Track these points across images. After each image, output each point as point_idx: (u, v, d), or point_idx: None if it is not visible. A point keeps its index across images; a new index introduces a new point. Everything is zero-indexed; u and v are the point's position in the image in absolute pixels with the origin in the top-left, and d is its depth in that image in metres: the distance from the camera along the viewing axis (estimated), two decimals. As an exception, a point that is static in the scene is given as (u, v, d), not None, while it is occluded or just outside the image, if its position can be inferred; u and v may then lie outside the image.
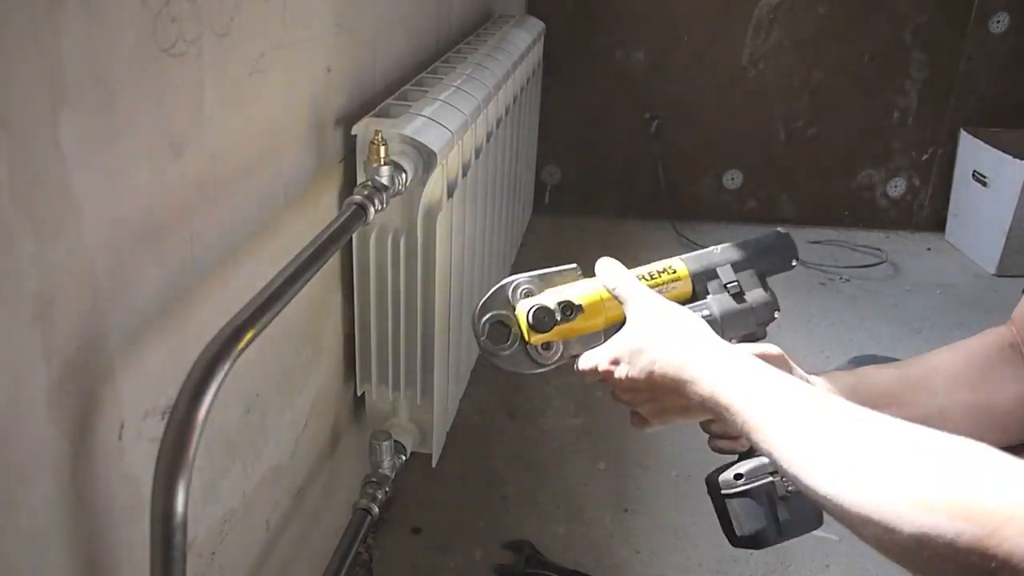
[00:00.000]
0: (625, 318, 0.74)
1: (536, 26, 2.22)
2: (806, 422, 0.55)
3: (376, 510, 1.18)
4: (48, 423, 0.62)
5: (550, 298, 0.78)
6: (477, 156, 1.43)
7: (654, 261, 0.81)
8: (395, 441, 1.25)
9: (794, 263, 0.81)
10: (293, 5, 0.94)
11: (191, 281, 0.79)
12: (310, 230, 1.00)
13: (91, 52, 0.61)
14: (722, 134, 2.80)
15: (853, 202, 2.87)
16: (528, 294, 0.80)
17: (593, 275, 0.79)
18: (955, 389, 0.79)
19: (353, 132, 1.11)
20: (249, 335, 0.65)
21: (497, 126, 1.60)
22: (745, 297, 0.79)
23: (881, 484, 0.49)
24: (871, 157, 2.83)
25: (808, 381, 0.77)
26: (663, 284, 0.79)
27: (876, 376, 0.83)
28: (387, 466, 1.22)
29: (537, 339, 0.78)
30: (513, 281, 0.80)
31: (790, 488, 0.74)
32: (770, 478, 0.75)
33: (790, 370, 0.74)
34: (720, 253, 0.81)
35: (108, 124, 0.64)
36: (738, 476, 0.77)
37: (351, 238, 1.15)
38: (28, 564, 0.62)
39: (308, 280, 0.77)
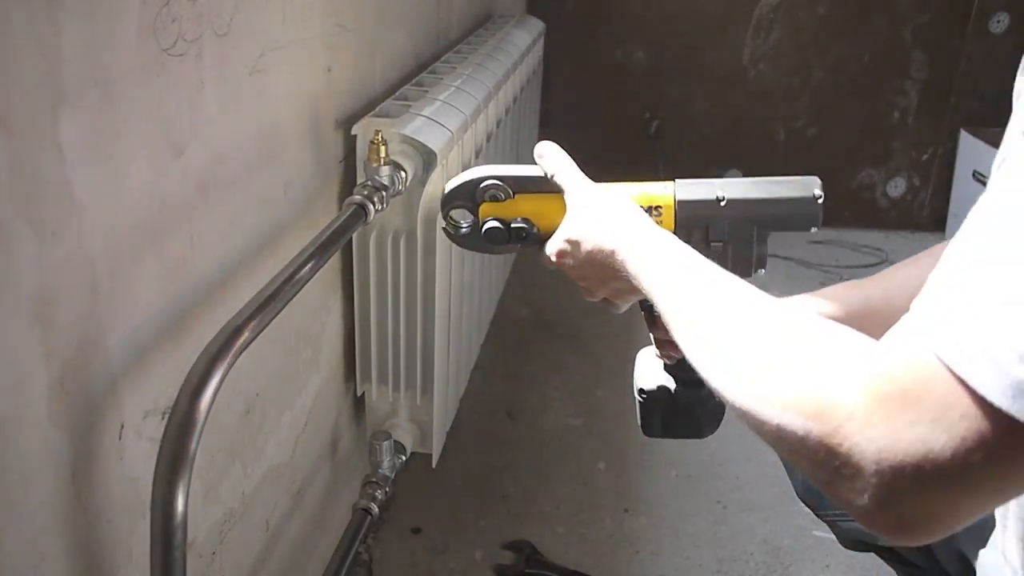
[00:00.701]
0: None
1: (536, 26, 2.22)
2: (706, 317, 0.57)
3: (376, 510, 1.18)
4: (48, 423, 0.62)
5: (511, 213, 0.78)
6: (477, 156, 1.43)
7: (650, 182, 0.76)
8: (395, 441, 1.25)
9: (814, 229, 0.74)
10: (293, 5, 0.94)
11: (191, 281, 0.79)
12: (310, 230, 1.01)
13: (91, 52, 0.61)
14: (722, 134, 2.80)
15: (853, 202, 2.87)
16: (494, 198, 0.79)
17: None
18: None
19: (353, 132, 1.11)
20: (249, 335, 0.65)
21: (497, 126, 1.60)
22: (727, 255, 0.75)
23: (753, 380, 0.50)
24: (871, 157, 2.83)
25: None
26: None
27: (839, 297, 0.82)
28: (387, 466, 1.22)
29: (493, 246, 0.80)
30: (482, 179, 0.79)
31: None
32: (667, 402, 0.82)
33: None
34: (724, 206, 0.74)
35: (108, 124, 0.64)
36: (640, 391, 0.83)
37: (351, 238, 1.15)
38: (28, 564, 0.62)
39: (308, 280, 0.77)
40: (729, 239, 0.74)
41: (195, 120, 0.77)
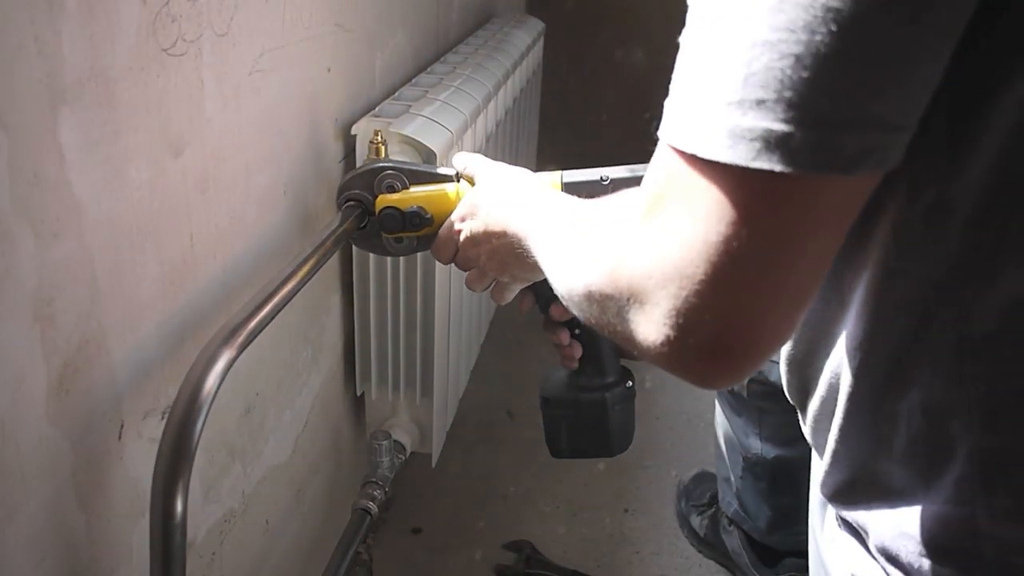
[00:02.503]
0: None
1: (536, 26, 2.22)
2: (549, 236, 0.60)
3: (376, 510, 1.18)
4: (48, 423, 0.62)
5: (406, 201, 0.80)
6: (477, 156, 1.42)
7: (541, 172, 0.81)
8: (395, 441, 1.25)
9: None
10: (293, 5, 0.94)
11: (191, 281, 0.79)
12: (310, 230, 1.01)
13: (91, 52, 0.61)
14: (722, 134, 2.80)
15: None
16: (391, 188, 0.81)
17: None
18: None
19: (352, 132, 1.11)
20: (249, 335, 0.65)
21: (497, 126, 1.59)
22: None
23: (573, 268, 0.52)
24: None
25: None
26: None
27: None
28: (387, 466, 1.22)
29: (387, 236, 0.83)
30: (381, 168, 0.82)
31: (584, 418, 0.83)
32: (571, 411, 0.84)
33: None
34: (607, 185, 0.77)
35: (108, 124, 0.64)
36: (545, 400, 0.85)
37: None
38: (28, 564, 0.62)
39: (308, 280, 0.77)
40: None
41: (195, 120, 0.77)
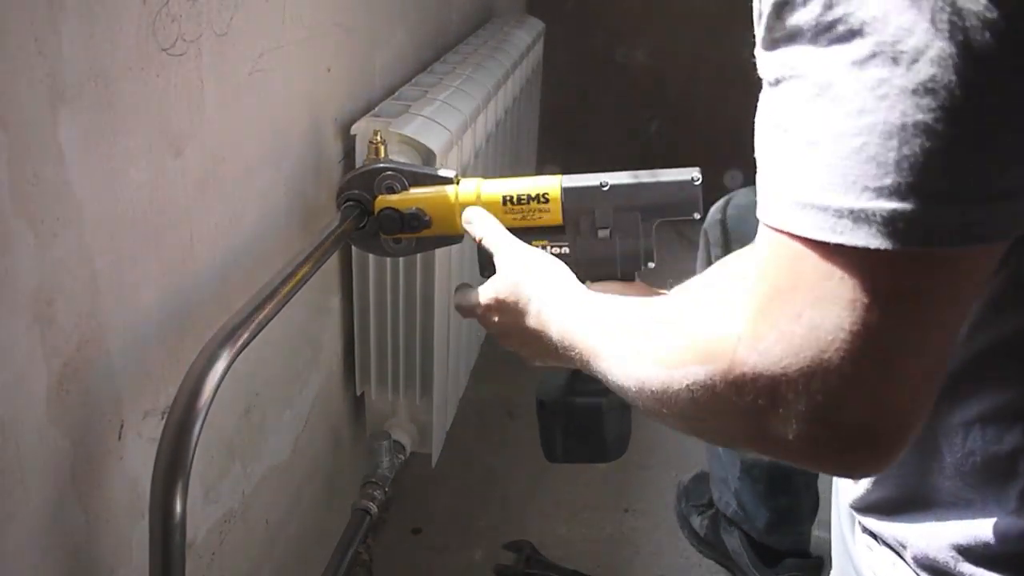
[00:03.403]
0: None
1: (536, 26, 2.22)
2: (601, 337, 0.58)
3: (375, 510, 1.18)
4: (48, 423, 0.62)
5: (405, 202, 0.80)
6: (476, 156, 1.42)
7: (540, 177, 0.79)
8: (394, 441, 1.25)
9: (696, 215, 0.77)
10: (293, 5, 0.94)
11: (190, 281, 0.79)
12: (310, 230, 1.01)
13: (91, 52, 0.61)
14: (722, 134, 2.79)
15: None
16: (390, 189, 0.81)
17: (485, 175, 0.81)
18: None
19: (352, 132, 1.11)
20: (248, 335, 0.65)
21: (497, 127, 1.59)
22: (615, 244, 0.76)
23: (639, 360, 0.50)
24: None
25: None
26: (530, 211, 0.77)
27: (729, 273, 0.83)
28: (386, 466, 1.22)
29: (385, 237, 0.82)
30: (381, 169, 0.82)
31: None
32: (567, 416, 0.81)
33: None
34: (607, 191, 0.76)
35: (108, 123, 0.64)
36: (540, 404, 0.83)
37: (351, 238, 1.15)
38: (28, 564, 0.62)
39: (308, 280, 0.77)
40: (615, 227, 0.76)
41: (194, 120, 0.77)
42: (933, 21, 0.35)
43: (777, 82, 0.42)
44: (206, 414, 0.59)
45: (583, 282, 0.78)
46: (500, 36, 1.87)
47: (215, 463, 0.90)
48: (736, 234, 1.21)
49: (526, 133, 2.19)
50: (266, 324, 0.68)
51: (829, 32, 0.39)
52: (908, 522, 0.51)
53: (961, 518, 0.48)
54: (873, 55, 0.37)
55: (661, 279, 0.85)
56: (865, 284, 0.38)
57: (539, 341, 0.67)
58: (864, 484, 0.54)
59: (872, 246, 0.37)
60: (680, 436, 1.79)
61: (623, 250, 0.77)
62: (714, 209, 1.27)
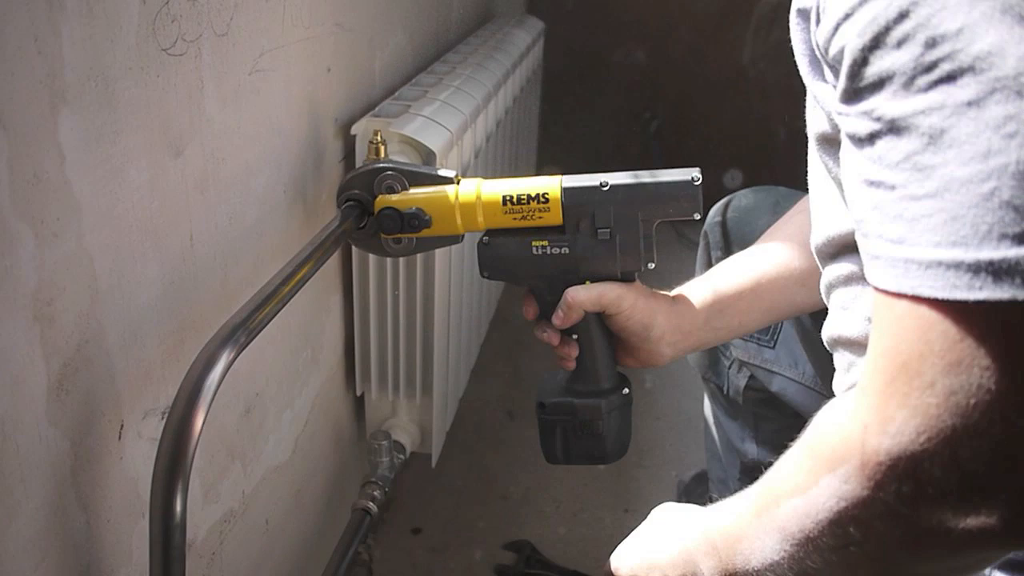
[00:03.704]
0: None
1: (536, 26, 2.22)
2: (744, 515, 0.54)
3: (375, 510, 1.18)
4: (48, 423, 0.62)
5: (405, 202, 0.80)
6: (476, 156, 1.43)
7: (540, 177, 0.79)
8: (395, 441, 1.25)
9: (696, 215, 0.77)
10: (293, 5, 0.94)
11: (191, 281, 0.79)
12: (310, 230, 1.01)
13: (91, 52, 0.61)
14: (722, 134, 2.80)
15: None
16: (390, 189, 0.81)
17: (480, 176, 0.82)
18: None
19: (352, 132, 1.11)
20: (248, 335, 0.65)
21: (497, 126, 1.60)
22: (615, 245, 0.76)
23: (770, 507, 0.47)
24: (871, 157, 2.83)
25: (672, 299, 0.82)
26: (530, 211, 0.77)
27: (729, 275, 0.84)
28: (386, 466, 1.22)
29: (385, 237, 0.83)
30: (381, 169, 0.82)
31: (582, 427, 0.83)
32: (567, 417, 0.83)
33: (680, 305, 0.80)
34: (607, 191, 0.76)
35: (108, 124, 0.64)
36: (540, 405, 0.84)
37: (351, 238, 1.15)
38: (28, 564, 0.62)
39: (308, 280, 0.77)
40: (616, 227, 0.76)
41: (194, 120, 0.77)
42: None
43: (871, 138, 0.39)
44: (206, 414, 0.59)
45: (583, 282, 0.78)
46: (500, 36, 1.87)
47: (215, 463, 0.90)
48: (737, 236, 1.21)
49: (526, 133, 2.19)
50: (266, 324, 0.68)
51: (929, 73, 0.36)
52: None
53: None
54: (992, 91, 0.35)
55: (661, 280, 0.86)
56: (1011, 339, 0.35)
57: None
58: None
59: (1021, 298, 0.34)
60: (680, 436, 1.79)
61: (623, 250, 0.77)
62: (714, 210, 1.27)
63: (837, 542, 0.43)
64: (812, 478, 0.43)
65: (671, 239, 2.67)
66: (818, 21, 0.46)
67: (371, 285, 1.20)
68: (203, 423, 0.59)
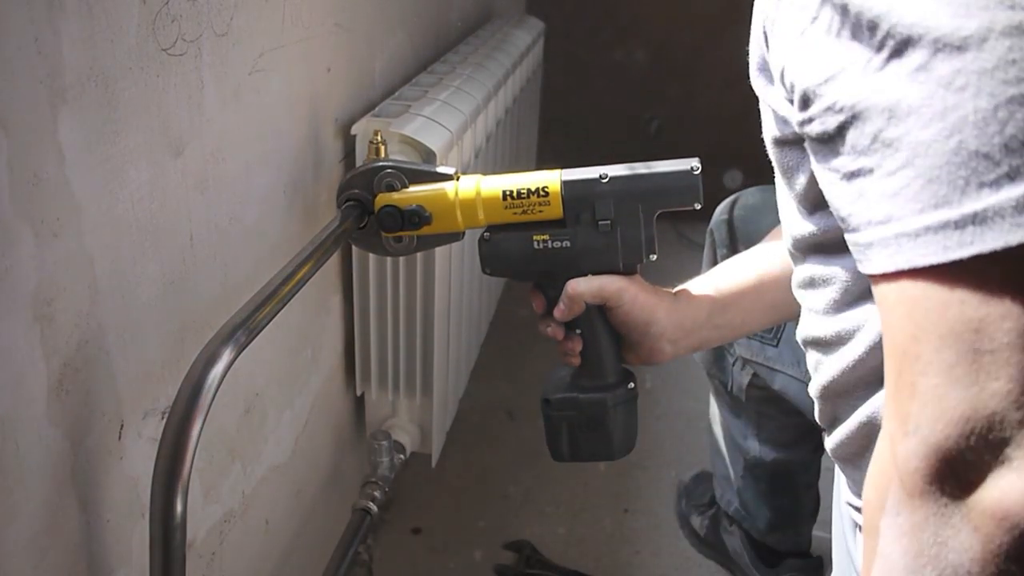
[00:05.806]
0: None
1: (536, 26, 2.22)
2: None
3: (375, 510, 1.18)
4: (48, 423, 0.62)
5: (405, 200, 0.80)
6: (477, 156, 1.43)
7: (540, 171, 0.79)
8: (395, 441, 1.25)
9: (697, 205, 0.76)
10: (293, 5, 0.94)
11: (191, 281, 0.79)
12: (310, 230, 1.01)
13: (91, 52, 0.61)
14: (723, 134, 2.79)
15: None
16: (390, 187, 0.81)
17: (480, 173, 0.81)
18: None
19: (352, 132, 1.11)
20: (248, 335, 0.65)
21: (497, 126, 1.60)
22: (617, 236, 0.76)
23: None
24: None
25: (674, 295, 0.82)
26: (530, 205, 0.77)
27: (732, 273, 0.84)
28: (386, 466, 1.22)
29: (386, 235, 0.83)
30: (380, 168, 0.82)
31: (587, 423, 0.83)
32: (572, 412, 0.82)
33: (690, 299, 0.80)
34: (607, 183, 0.76)
35: (108, 124, 0.64)
36: (546, 401, 0.84)
37: (351, 238, 1.15)
38: (28, 565, 0.62)
39: (308, 280, 0.77)
40: (616, 218, 0.76)
41: (194, 120, 0.77)
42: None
43: (841, 131, 0.39)
44: (206, 414, 0.59)
45: (584, 274, 0.78)
46: (500, 36, 1.87)
47: (215, 463, 0.90)
48: (743, 234, 1.22)
49: (526, 133, 2.19)
50: (266, 324, 0.68)
51: (879, 53, 0.36)
52: None
53: None
54: (935, 52, 0.35)
55: (662, 280, 0.86)
56: (1012, 288, 0.34)
57: None
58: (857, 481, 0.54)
59: (1014, 242, 0.33)
60: (680, 436, 1.79)
61: (625, 241, 0.77)
62: (720, 209, 1.27)
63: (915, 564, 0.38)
64: (871, 518, 0.40)
65: (671, 239, 2.67)
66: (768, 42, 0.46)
67: (371, 285, 1.20)
68: (203, 423, 0.59)
